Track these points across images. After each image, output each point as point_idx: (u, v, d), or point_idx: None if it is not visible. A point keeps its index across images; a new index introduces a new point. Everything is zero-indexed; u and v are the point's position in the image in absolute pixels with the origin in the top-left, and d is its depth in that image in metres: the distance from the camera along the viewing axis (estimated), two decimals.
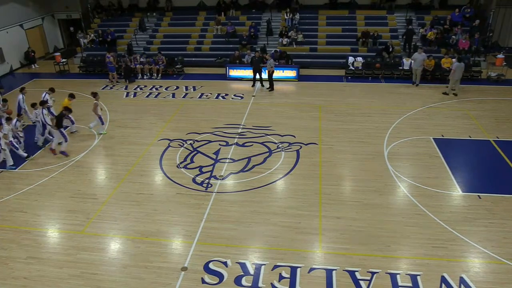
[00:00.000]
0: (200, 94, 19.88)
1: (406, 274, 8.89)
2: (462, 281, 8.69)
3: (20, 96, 16.40)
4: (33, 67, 25.35)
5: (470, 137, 14.90)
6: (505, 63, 21.68)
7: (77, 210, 11.44)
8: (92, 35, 26.27)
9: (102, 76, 22.67)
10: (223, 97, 19.41)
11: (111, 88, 21.22)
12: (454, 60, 19.35)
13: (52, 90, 16.82)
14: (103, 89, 21.09)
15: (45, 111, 14.97)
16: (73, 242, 10.21)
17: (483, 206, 11.08)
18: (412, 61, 20.11)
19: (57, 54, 25.33)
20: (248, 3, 28.00)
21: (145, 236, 10.33)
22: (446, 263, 9.16)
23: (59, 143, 14.40)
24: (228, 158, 13.86)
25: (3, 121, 14.05)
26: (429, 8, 26.06)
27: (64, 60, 24.51)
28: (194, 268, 9.22)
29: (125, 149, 14.71)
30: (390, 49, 22.11)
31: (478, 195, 11.54)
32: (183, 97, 19.64)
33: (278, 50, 22.82)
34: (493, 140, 14.59)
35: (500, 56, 22.09)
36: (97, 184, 12.87)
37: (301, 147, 14.43)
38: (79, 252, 9.85)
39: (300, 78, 21.49)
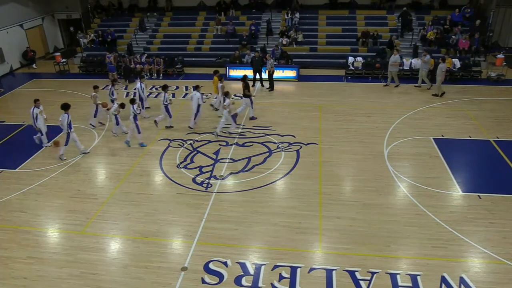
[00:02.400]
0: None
1: (406, 274, 8.89)
2: (462, 281, 8.69)
3: (139, 84, 17.06)
4: (34, 66, 25.33)
5: (470, 137, 14.90)
6: (505, 63, 21.68)
7: (77, 210, 11.44)
8: (92, 35, 26.26)
9: (102, 76, 22.67)
10: None
11: None
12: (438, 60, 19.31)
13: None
14: (103, 89, 21.05)
15: (167, 95, 15.74)
16: (73, 242, 10.21)
17: (483, 206, 11.08)
18: (390, 63, 19.92)
19: (57, 54, 25.31)
20: (248, 3, 28.00)
21: (145, 236, 10.33)
22: (446, 263, 9.16)
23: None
24: (228, 158, 13.86)
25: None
26: (429, 8, 26.06)
27: (64, 60, 24.50)
28: (194, 268, 9.22)
29: (125, 149, 14.70)
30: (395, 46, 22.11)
31: (478, 195, 11.54)
32: (183, 97, 19.64)
33: (279, 46, 22.82)
34: (493, 140, 14.58)
35: (500, 56, 22.08)
36: (97, 184, 12.87)
37: (301, 147, 14.43)
38: (79, 252, 9.85)
39: (300, 78, 21.49)
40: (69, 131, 13.70)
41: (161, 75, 22.57)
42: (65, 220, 11.10)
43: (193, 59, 24.60)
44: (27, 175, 13.30)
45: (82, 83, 22.20)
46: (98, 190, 12.42)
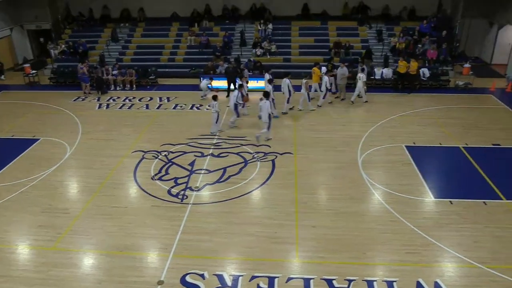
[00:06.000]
0: (174, 105, 19.73)
1: (382, 281, 8.98)
2: (436, 285, 8.83)
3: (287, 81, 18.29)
4: (2, 78, 24.63)
5: (441, 144, 15.28)
6: (471, 72, 22.43)
7: (48, 225, 11.09)
8: (63, 46, 25.76)
9: (74, 88, 22.23)
10: (197, 107, 19.32)
11: (83, 99, 20.82)
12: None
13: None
14: (74, 100, 20.68)
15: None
16: (44, 259, 9.88)
17: (454, 211, 11.34)
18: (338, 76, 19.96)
19: (27, 65, 24.71)
20: (222, 14, 28.11)
21: (120, 250, 10.11)
22: (421, 269, 9.31)
23: None
24: (204, 169, 13.77)
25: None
26: (398, 19, 26.75)
27: (34, 71, 23.91)
28: (171, 282, 9.07)
29: (98, 161, 14.41)
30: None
31: (450, 201, 11.81)
32: (157, 108, 19.45)
33: (252, 59, 22.94)
34: (462, 147, 14.99)
35: (467, 65, 22.85)
36: (69, 197, 12.54)
37: (276, 156, 14.48)
38: (51, 269, 9.53)
39: (274, 88, 21.50)
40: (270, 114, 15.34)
41: (134, 86, 22.32)
42: (35, 235, 10.74)
43: (167, 70, 24.44)
44: None
45: (53, 94, 21.72)
46: (70, 204, 12.10)
